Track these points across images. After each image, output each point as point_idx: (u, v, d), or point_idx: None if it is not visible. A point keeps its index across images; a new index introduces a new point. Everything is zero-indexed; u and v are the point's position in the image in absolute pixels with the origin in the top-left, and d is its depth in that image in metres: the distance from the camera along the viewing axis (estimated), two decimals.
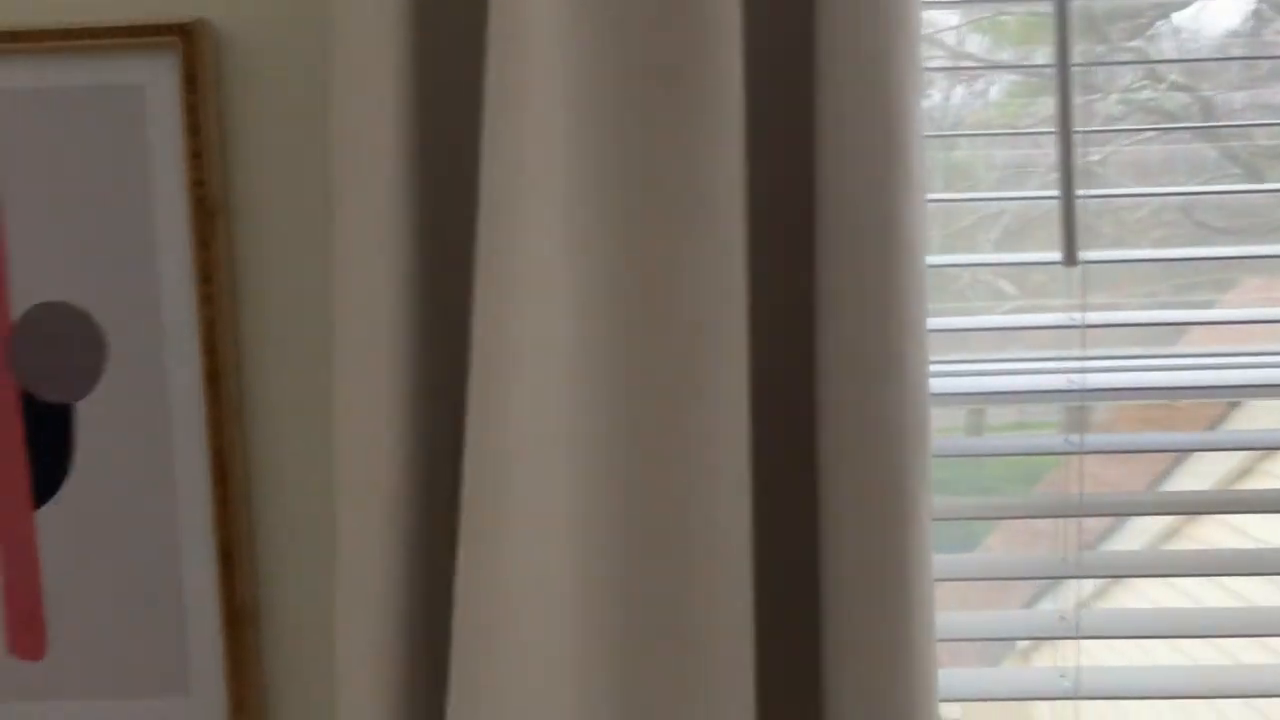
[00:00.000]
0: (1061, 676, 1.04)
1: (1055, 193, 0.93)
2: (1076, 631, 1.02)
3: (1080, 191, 0.92)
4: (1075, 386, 1.00)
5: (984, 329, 1.01)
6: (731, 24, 0.78)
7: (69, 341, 0.99)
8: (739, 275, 0.80)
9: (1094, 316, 0.99)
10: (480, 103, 0.86)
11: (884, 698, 0.80)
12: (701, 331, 0.80)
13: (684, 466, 0.81)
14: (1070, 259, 0.93)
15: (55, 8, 0.97)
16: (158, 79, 0.96)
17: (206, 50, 0.95)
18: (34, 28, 0.95)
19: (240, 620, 1.00)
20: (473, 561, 0.78)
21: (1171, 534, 2.61)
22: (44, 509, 1.01)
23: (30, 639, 1.02)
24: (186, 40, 0.94)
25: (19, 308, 0.99)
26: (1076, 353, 1.00)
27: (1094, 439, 1.01)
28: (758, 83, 0.86)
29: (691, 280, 0.80)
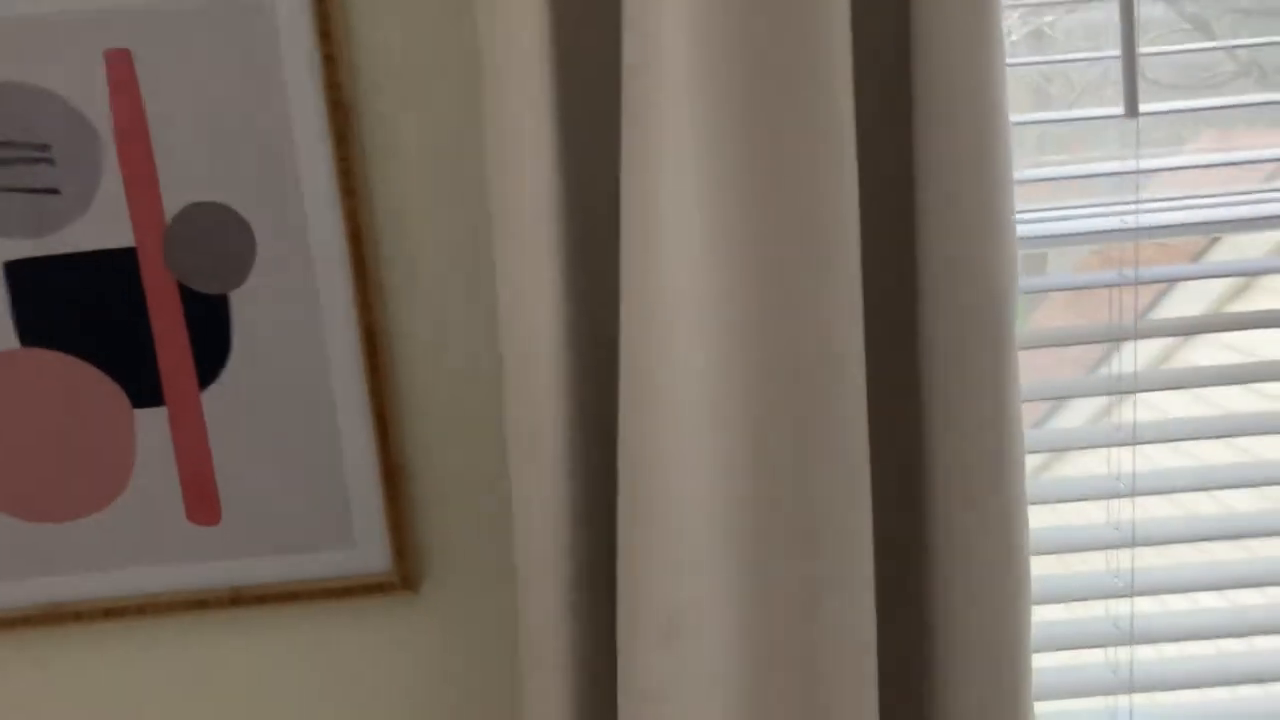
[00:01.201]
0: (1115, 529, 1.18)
1: (1116, 52, 1.03)
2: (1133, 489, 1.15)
3: (1143, 49, 1.02)
4: (1130, 226, 1.11)
5: (1047, 179, 1.11)
6: None
7: (220, 237, 1.08)
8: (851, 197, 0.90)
9: (1147, 163, 1.09)
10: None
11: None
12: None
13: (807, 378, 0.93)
14: (1132, 110, 1.03)
15: None
16: None
17: None
18: None
19: (395, 477, 1.12)
20: (632, 403, 0.90)
21: (1165, 358, 2.78)
22: (208, 390, 1.12)
23: (205, 507, 1.14)
24: None
25: (171, 209, 1.08)
26: (1131, 197, 1.11)
27: (1146, 271, 1.12)
28: None
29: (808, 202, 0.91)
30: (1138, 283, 1.11)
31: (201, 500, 1.14)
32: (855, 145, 0.92)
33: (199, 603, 1.15)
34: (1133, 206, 1.12)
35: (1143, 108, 1.03)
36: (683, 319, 0.90)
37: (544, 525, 0.95)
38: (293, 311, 1.10)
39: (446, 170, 1.08)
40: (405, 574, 1.14)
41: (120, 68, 1.05)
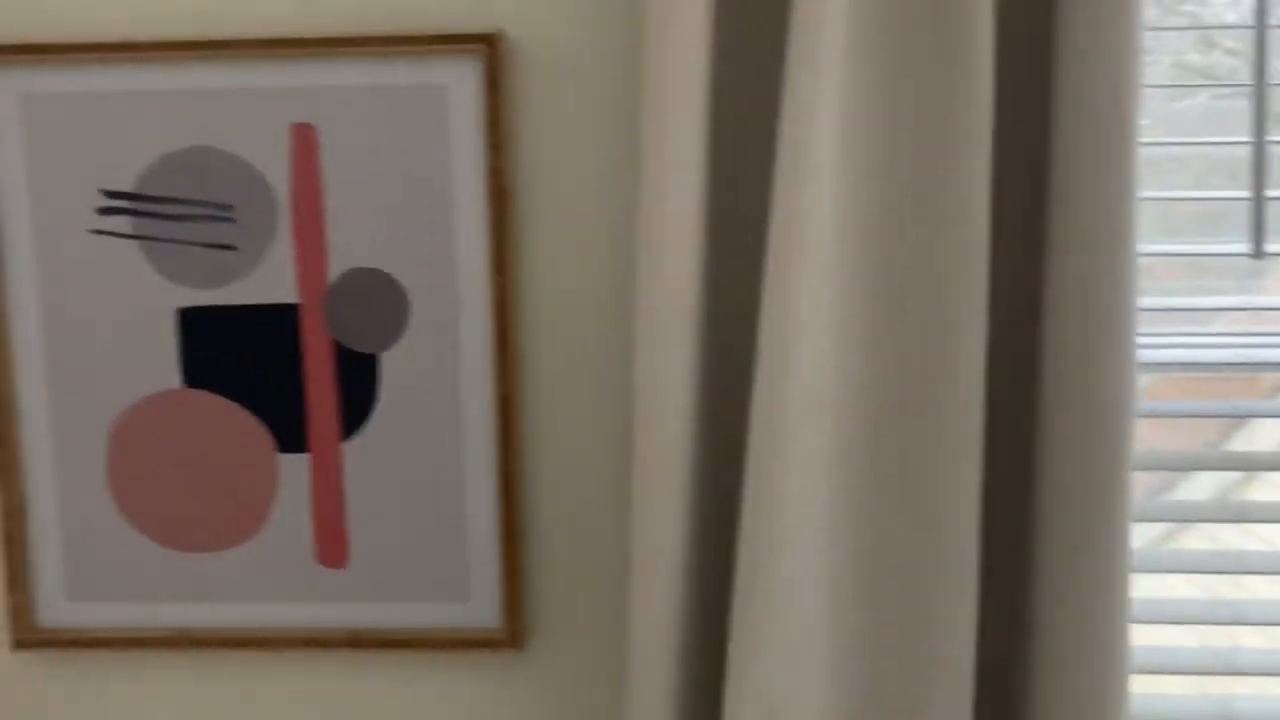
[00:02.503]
0: None
1: (1246, 193, 1.06)
2: None
3: (1274, 192, 1.05)
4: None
5: (1166, 309, 1.15)
6: None
7: (377, 301, 1.17)
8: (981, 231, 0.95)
9: (1269, 299, 1.12)
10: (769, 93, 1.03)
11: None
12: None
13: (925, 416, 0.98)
14: (1258, 251, 1.06)
15: (376, 16, 1.13)
16: (462, 80, 1.12)
17: (505, 56, 1.11)
18: (361, 34, 1.12)
19: (515, 539, 1.18)
20: (756, 489, 0.95)
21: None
22: (350, 441, 1.19)
23: (334, 551, 1.21)
24: (490, 48, 1.10)
25: (335, 271, 1.17)
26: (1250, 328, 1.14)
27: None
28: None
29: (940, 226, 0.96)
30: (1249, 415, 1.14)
31: (332, 544, 1.21)
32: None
33: (318, 641, 1.22)
34: (1250, 339, 1.14)
35: (1270, 248, 1.07)
36: (810, 418, 0.95)
37: (659, 609, 1.00)
38: (436, 375, 1.17)
39: (592, 257, 1.15)
40: (514, 631, 1.19)
41: (304, 140, 1.14)
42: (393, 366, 1.17)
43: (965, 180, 0.94)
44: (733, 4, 1.02)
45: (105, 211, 1.17)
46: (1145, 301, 1.16)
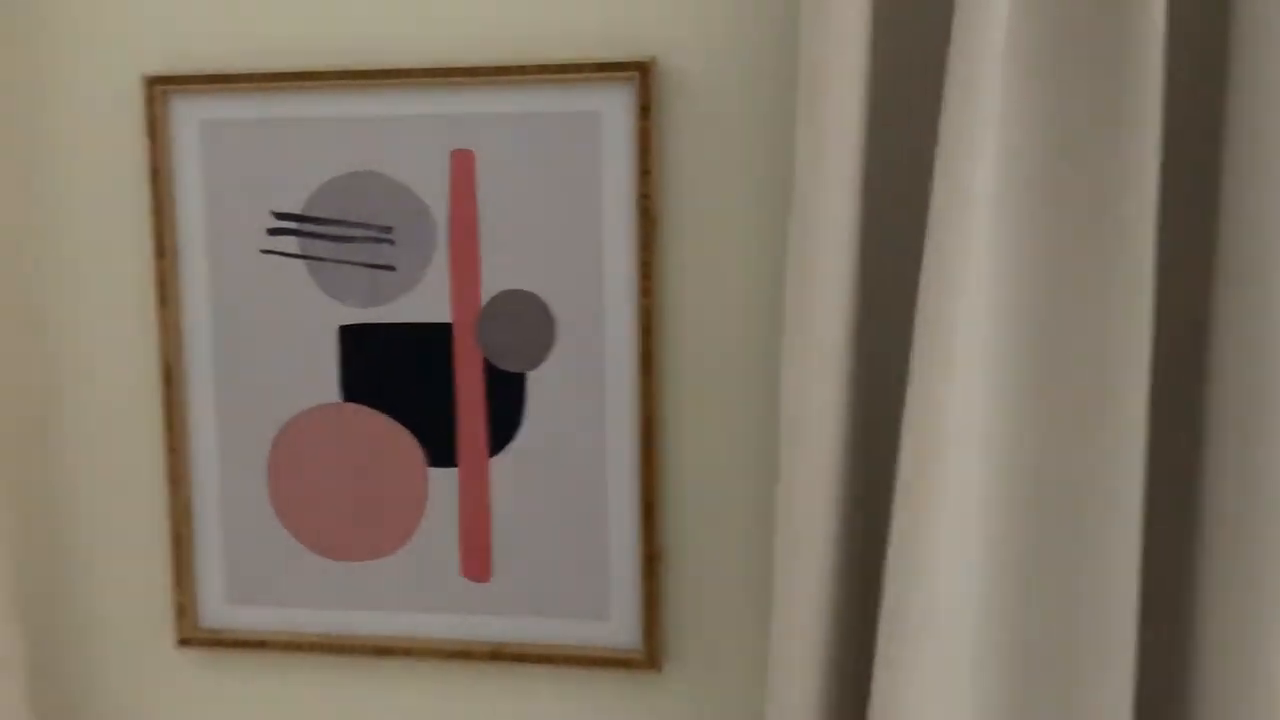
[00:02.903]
0: None
1: None
2: None
3: None
4: None
5: None
6: None
7: (527, 322, 1.20)
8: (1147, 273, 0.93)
9: None
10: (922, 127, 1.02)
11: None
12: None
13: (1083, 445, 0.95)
14: None
15: (534, 46, 1.17)
16: (614, 106, 1.15)
17: (656, 83, 1.13)
18: (520, 63, 1.15)
19: (655, 561, 1.19)
20: (904, 523, 0.94)
21: None
22: (497, 457, 1.22)
23: (479, 564, 1.24)
24: (642, 75, 1.12)
25: (488, 292, 1.20)
26: None
27: None
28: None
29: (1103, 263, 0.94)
30: None
31: (476, 558, 1.24)
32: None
33: (462, 653, 1.25)
34: None
35: None
36: (962, 452, 0.94)
37: (801, 640, 0.99)
38: (581, 395, 1.19)
39: (737, 282, 1.16)
40: (652, 652, 1.20)
41: (463, 166, 1.18)
42: (539, 386, 1.20)
43: (1131, 210, 0.92)
44: (889, 40, 1.02)
45: (274, 232, 1.23)
46: None
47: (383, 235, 1.21)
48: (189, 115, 1.23)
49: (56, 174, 1.29)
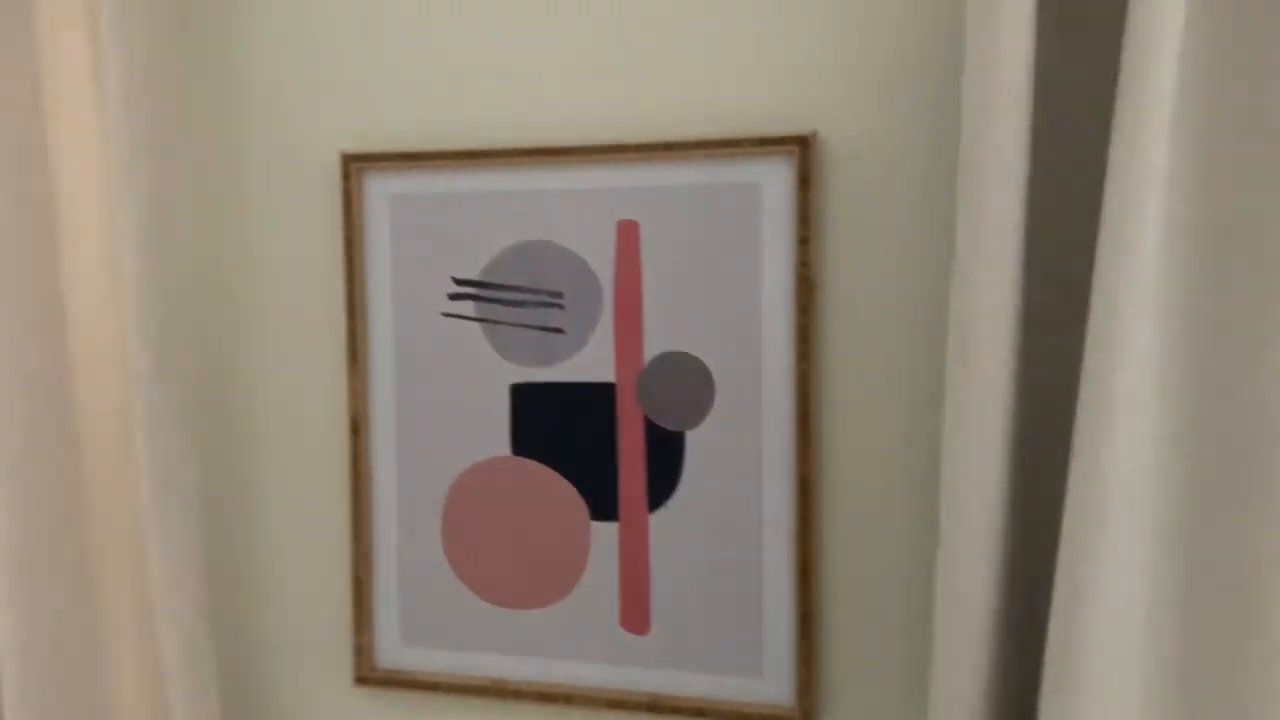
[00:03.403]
0: None
1: None
2: None
3: None
4: None
5: None
6: None
7: (687, 383, 1.25)
8: None
9: None
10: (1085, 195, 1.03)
11: None
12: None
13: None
14: None
15: (697, 122, 1.23)
16: (774, 178, 1.19)
17: (816, 155, 1.18)
18: (683, 139, 1.22)
19: (809, 621, 1.21)
20: (1066, 588, 0.94)
21: None
22: (656, 513, 1.27)
23: (638, 617, 1.29)
24: (802, 149, 1.17)
25: (650, 353, 1.26)
26: None
27: None
28: None
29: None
30: None
31: (635, 610, 1.29)
32: None
33: (619, 703, 1.29)
34: None
35: None
36: (1124, 514, 0.94)
37: (961, 708, 1.00)
38: (739, 456, 1.23)
39: (893, 347, 1.18)
40: (805, 709, 1.22)
41: (628, 235, 1.25)
42: (698, 445, 1.25)
43: None
44: (1048, 108, 1.04)
45: (454, 297, 1.32)
46: None
47: (553, 300, 1.28)
48: (380, 190, 1.34)
49: (260, 242, 1.42)
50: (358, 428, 1.36)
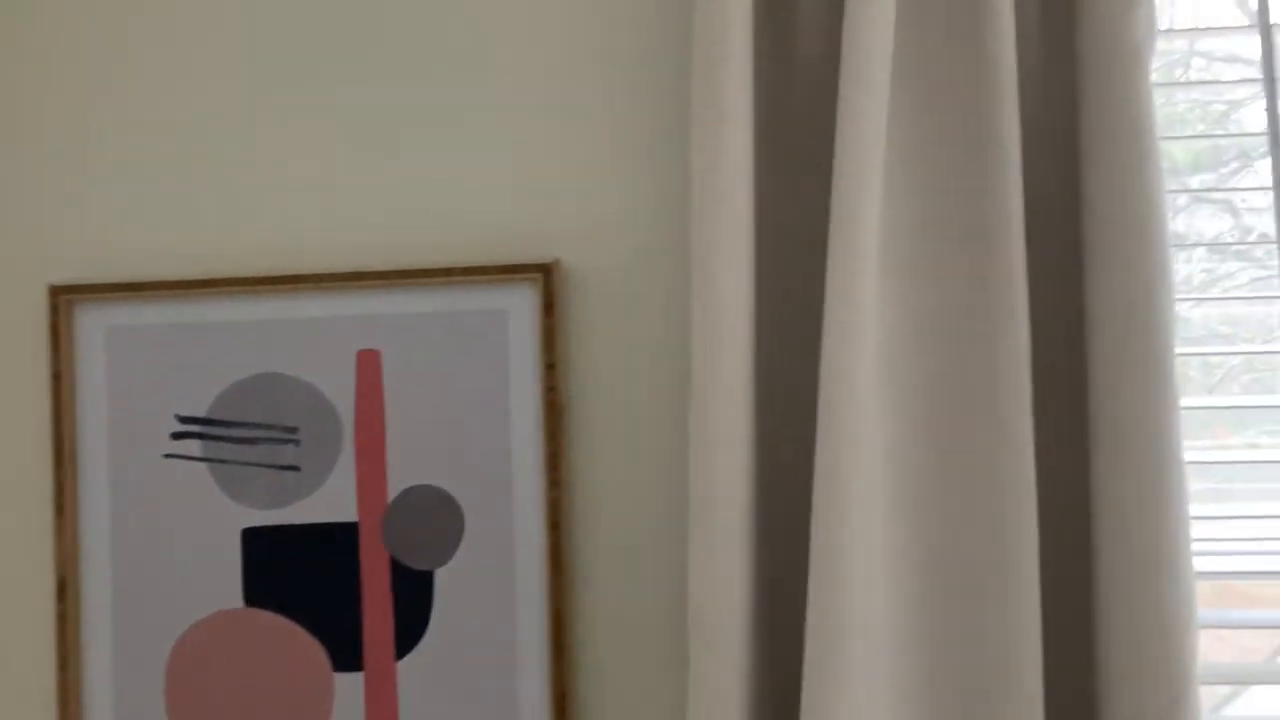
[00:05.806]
0: None
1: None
2: None
3: None
4: None
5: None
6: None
7: (434, 517, 1.19)
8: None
9: None
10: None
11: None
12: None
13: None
14: None
15: (440, 249, 1.21)
16: (520, 304, 1.18)
17: (560, 282, 1.18)
18: (426, 267, 1.19)
19: None
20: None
21: None
22: (404, 659, 1.19)
23: None
24: (546, 276, 1.17)
25: (394, 489, 1.20)
26: None
27: None
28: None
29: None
30: None
31: None
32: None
33: None
34: None
35: None
36: (859, 637, 0.95)
37: None
38: (490, 590, 1.18)
39: (644, 471, 1.18)
40: None
41: (369, 365, 1.20)
42: (447, 582, 1.19)
43: (1004, 352, 0.98)
44: (773, 241, 1.09)
45: (178, 436, 1.22)
46: None
47: (287, 436, 1.21)
48: (95, 323, 1.24)
49: None
50: (64, 589, 1.22)
